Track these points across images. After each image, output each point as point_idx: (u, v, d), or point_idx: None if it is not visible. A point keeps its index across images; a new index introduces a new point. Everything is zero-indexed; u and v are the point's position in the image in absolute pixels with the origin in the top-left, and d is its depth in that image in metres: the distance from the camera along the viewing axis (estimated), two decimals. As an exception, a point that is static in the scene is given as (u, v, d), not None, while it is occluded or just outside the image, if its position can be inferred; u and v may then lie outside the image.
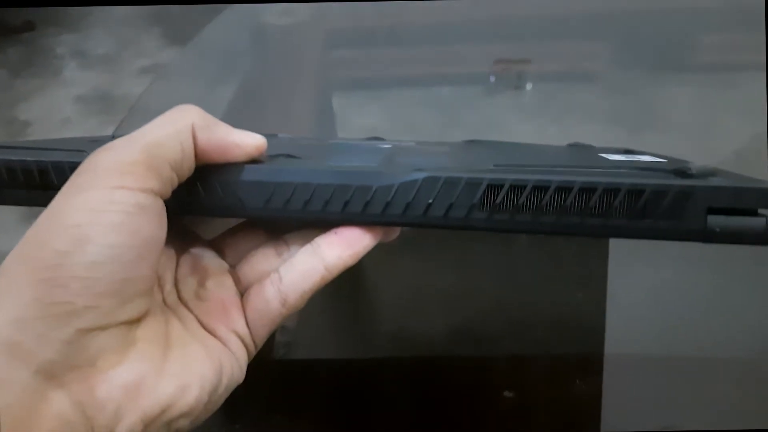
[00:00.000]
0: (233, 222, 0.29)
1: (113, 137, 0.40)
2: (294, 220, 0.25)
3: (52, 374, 0.20)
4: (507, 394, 0.42)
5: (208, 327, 0.25)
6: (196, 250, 0.27)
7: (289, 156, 0.28)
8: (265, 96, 0.63)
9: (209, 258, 0.27)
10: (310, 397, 0.44)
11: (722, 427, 0.38)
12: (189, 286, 0.26)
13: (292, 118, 0.60)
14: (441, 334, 0.47)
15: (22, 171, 0.26)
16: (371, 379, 0.45)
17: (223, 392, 0.24)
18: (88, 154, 0.23)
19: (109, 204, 0.21)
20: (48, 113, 1.61)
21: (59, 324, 0.20)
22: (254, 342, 0.26)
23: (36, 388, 0.19)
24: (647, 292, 0.46)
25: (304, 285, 0.25)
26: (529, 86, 0.67)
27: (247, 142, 0.25)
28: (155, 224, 0.22)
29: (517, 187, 0.23)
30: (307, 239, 0.26)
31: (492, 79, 0.67)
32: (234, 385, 0.24)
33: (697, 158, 0.35)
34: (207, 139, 0.24)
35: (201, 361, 0.23)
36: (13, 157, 0.26)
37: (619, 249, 0.46)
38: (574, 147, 0.40)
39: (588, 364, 0.43)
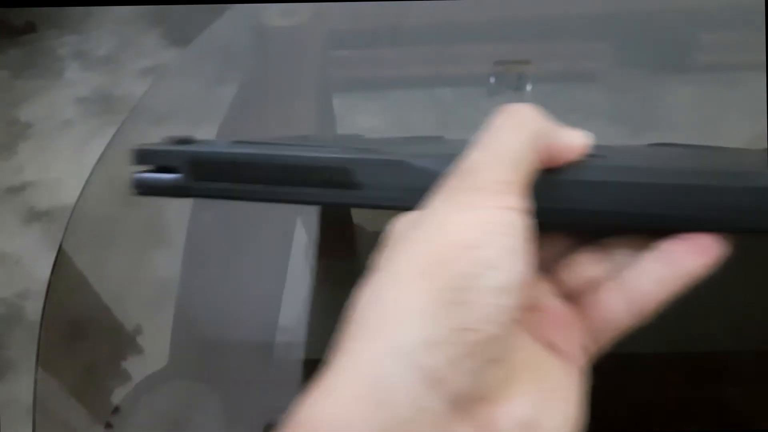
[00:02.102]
0: None
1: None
2: (636, 224, 0.23)
3: (461, 406, 0.18)
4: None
5: (556, 347, 0.23)
6: None
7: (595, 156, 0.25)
8: (265, 96, 0.63)
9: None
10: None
11: (723, 428, 0.38)
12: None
13: (292, 119, 0.61)
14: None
15: (326, 169, 0.25)
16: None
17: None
18: (401, 158, 0.23)
19: (503, 226, 0.19)
20: (49, 114, 1.61)
21: (469, 352, 0.18)
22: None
23: (448, 420, 0.18)
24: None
25: (660, 294, 0.23)
26: (529, 87, 0.67)
27: (577, 142, 0.23)
28: (535, 247, 0.21)
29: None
30: (635, 245, 0.24)
31: (492, 79, 0.67)
32: None
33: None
34: (546, 144, 0.22)
35: (570, 390, 0.21)
36: (320, 154, 0.25)
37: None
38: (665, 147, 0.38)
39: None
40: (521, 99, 0.67)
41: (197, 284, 0.50)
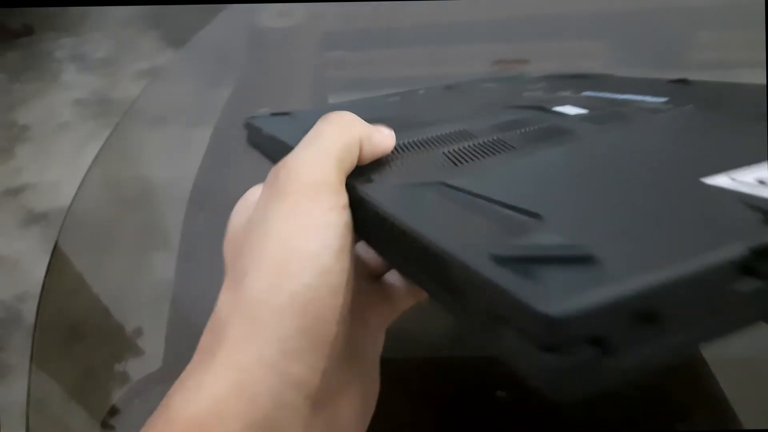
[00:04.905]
0: None
1: None
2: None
3: (316, 400, 0.21)
4: (500, 394, 0.42)
5: (368, 324, 0.26)
6: None
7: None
8: (260, 97, 0.63)
9: None
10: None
11: (723, 427, 0.38)
12: None
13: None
14: (441, 335, 0.47)
15: None
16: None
17: None
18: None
19: (329, 228, 0.21)
20: (46, 117, 1.61)
21: (323, 355, 0.21)
22: None
23: (305, 413, 0.21)
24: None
25: None
26: (527, 86, 0.67)
27: (386, 143, 0.26)
28: (354, 238, 0.23)
29: None
30: None
31: (490, 79, 0.67)
32: None
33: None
34: (369, 150, 0.25)
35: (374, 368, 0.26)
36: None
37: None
38: None
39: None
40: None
41: (192, 285, 0.50)
